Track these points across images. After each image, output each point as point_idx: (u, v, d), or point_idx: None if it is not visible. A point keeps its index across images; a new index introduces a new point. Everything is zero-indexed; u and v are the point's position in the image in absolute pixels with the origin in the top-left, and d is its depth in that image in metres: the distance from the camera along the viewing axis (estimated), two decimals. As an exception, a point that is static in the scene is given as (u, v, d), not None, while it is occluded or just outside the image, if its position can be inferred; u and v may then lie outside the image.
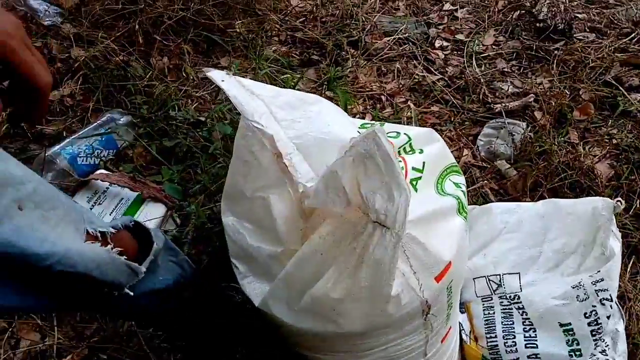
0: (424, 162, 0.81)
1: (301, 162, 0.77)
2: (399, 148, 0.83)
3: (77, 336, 1.30)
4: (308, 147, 0.78)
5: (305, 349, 0.92)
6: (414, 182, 0.79)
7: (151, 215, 1.37)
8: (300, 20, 2.16)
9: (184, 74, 1.89)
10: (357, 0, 2.21)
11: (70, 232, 0.67)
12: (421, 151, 0.83)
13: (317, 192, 0.67)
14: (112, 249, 0.71)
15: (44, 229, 0.62)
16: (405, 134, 0.85)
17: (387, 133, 0.88)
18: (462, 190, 0.84)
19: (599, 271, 1.00)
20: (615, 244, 1.03)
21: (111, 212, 1.37)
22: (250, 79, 1.90)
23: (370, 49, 1.95)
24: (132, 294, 0.74)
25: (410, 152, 0.83)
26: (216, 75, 0.73)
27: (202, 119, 1.69)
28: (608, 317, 0.99)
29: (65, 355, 1.24)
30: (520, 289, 1.10)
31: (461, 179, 0.86)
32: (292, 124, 0.77)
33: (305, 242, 0.74)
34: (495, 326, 1.11)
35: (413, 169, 0.80)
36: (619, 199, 1.00)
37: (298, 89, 1.60)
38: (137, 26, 1.91)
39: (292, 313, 0.78)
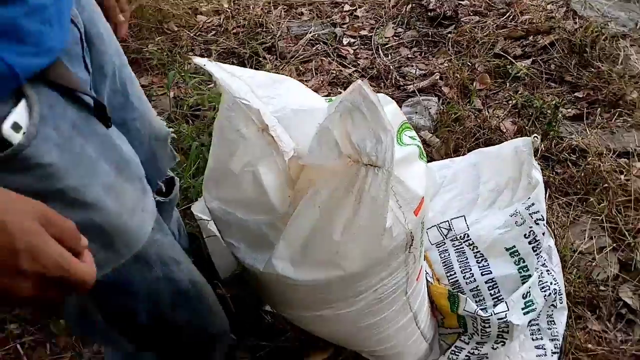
0: (385, 120, 0.94)
1: (283, 133, 0.87)
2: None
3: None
4: (287, 120, 0.88)
5: (302, 309, 1.01)
6: (382, 135, 0.92)
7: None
8: (212, 33, 2.24)
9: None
10: (263, 10, 2.34)
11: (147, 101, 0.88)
12: (381, 111, 0.96)
13: (311, 150, 0.77)
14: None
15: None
16: (363, 99, 0.97)
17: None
18: (417, 142, 0.98)
19: (529, 198, 1.19)
20: (538, 174, 1.23)
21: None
22: (177, 92, 1.94)
23: (285, 53, 2.08)
24: (174, 177, 0.92)
25: (372, 113, 0.95)
26: (199, 60, 0.82)
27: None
28: (543, 234, 1.18)
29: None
30: (468, 228, 1.27)
31: (414, 134, 1.01)
32: (270, 100, 0.87)
33: (301, 201, 0.84)
34: (452, 265, 1.27)
35: (378, 125, 0.93)
36: (535, 135, 1.20)
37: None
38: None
39: (296, 269, 0.87)
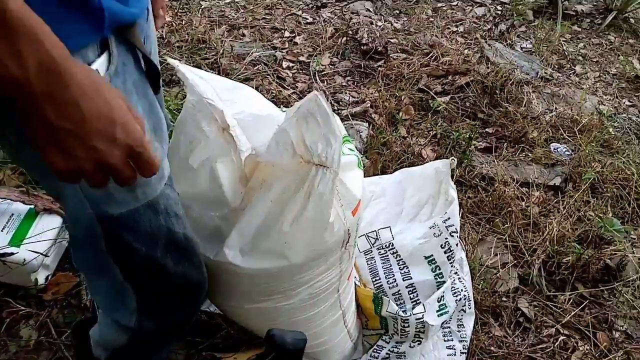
0: (330, 131, 1.06)
1: (241, 134, 0.96)
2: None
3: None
4: (245, 122, 0.97)
5: (244, 300, 1.08)
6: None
7: (47, 226, 1.38)
8: (154, 45, 2.29)
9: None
10: (206, 28, 2.42)
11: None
12: (327, 123, 1.08)
13: (269, 148, 0.87)
14: None
15: None
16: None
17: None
18: (355, 153, 1.11)
19: (446, 212, 1.35)
20: (453, 192, 1.40)
21: (2, 229, 1.34)
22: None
23: (228, 70, 2.17)
24: None
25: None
26: (173, 61, 0.90)
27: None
28: (457, 245, 1.34)
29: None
30: (393, 237, 1.41)
31: (352, 146, 1.14)
32: (232, 104, 0.96)
33: (255, 195, 0.93)
34: (378, 271, 1.40)
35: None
36: (453, 157, 1.38)
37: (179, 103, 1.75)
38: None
39: (245, 258, 0.95)
